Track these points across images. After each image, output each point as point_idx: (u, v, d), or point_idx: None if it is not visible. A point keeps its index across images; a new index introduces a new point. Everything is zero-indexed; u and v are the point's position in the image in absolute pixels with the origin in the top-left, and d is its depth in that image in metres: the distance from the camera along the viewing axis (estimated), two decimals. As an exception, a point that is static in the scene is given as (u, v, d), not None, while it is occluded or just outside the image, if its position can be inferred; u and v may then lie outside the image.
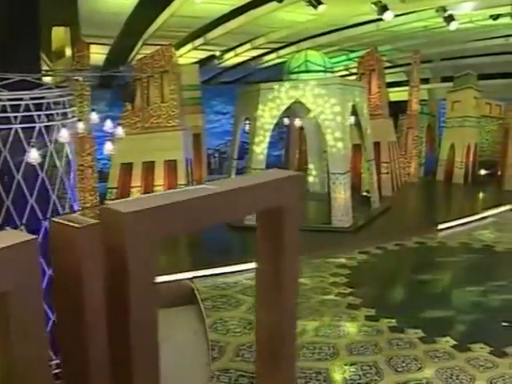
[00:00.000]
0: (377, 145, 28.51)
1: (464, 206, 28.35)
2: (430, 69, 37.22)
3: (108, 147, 16.86)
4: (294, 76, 24.50)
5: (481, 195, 29.98)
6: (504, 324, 14.04)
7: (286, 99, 22.24)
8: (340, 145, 21.97)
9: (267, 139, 22.46)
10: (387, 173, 29.23)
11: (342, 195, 21.96)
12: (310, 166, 28.81)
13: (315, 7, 17.74)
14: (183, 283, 16.62)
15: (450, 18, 19.72)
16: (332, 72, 26.01)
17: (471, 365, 11.94)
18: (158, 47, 23.13)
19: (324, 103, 21.91)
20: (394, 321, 14.21)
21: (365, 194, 26.05)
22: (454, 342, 12.99)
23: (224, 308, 14.99)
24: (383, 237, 21.55)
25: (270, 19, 20.64)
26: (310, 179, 28.81)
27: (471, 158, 33.24)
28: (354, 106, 23.63)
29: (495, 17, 21.99)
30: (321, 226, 22.14)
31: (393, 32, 24.74)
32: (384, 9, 18.34)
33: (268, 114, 22.33)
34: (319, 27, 23.20)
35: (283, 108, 22.41)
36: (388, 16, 18.36)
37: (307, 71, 24.58)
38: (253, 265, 16.84)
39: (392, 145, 30.28)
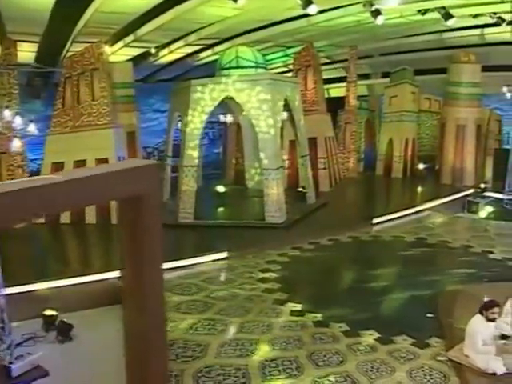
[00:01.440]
0: (313, 140, 28.55)
1: (401, 200, 28.50)
2: (369, 64, 37.41)
3: (15, 144, 16.53)
4: (225, 72, 24.37)
5: (418, 189, 30.19)
6: (428, 315, 14.07)
7: (217, 96, 22.06)
8: (271, 140, 21.85)
9: (199, 136, 22.22)
10: (324, 168, 29.26)
11: (274, 191, 21.89)
12: (247, 162, 28.69)
13: (235, 0, 17.60)
14: (110, 283, 16.37)
15: (376, 13, 19.71)
16: (264, 68, 25.87)
17: (393, 357, 11.94)
18: (88, 44, 22.76)
19: (254, 99, 21.83)
20: (319, 315, 14.16)
21: (300, 189, 25.99)
22: (378, 335, 12.99)
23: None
24: (317, 232, 21.54)
25: (197, 14, 20.45)
26: (247, 176, 28.72)
27: (410, 153, 33.51)
28: (286, 102, 23.56)
29: (423, 12, 22.08)
30: (254, 222, 22.10)
31: (325, 27, 24.70)
32: (308, 2, 18.23)
33: (199, 113, 22.16)
34: (249, 22, 23.02)
35: (214, 105, 22.20)
36: (312, 10, 18.26)
37: (238, 67, 24.48)
38: (183, 262, 16.86)
39: (329, 140, 30.30)
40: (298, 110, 24.73)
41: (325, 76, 34.85)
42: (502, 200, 26.97)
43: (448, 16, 21.21)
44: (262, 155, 22.11)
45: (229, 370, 11.36)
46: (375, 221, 23.30)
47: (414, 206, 25.61)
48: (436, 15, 21.88)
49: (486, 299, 11.50)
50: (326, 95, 37.87)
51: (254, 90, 21.83)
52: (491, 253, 19.74)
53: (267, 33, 25.29)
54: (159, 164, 4.22)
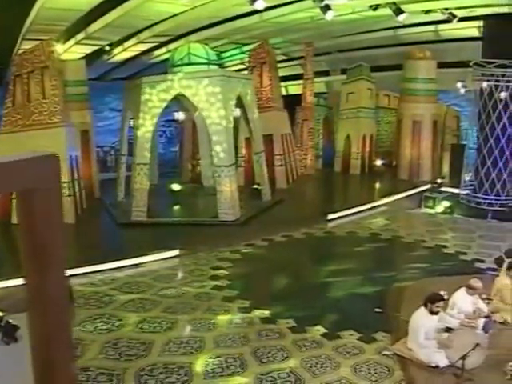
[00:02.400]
0: (270, 137, 28.46)
1: (357, 196, 28.48)
2: (327, 61, 37.41)
3: None
4: (177, 69, 24.20)
5: (375, 185, 30.24)
6: (376, 310, 14.06)
7: (168, 93, 21.88)
8: (224, 137, 21.72)
9: (150, 129, 21.99)
10: (281, 165, 29.18)
11: (227, 188, 21.78)
12: (203, 160, 28.53)
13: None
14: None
15: (326, 8, 19.60)
16: (217, 64, 25.74)
17: (338, 352, 11.94)
18: (38, 42, 22.44)
19: (206, 95, 21.69)
20: (267, 312, 14.13)
21: (256, 186, 25.89)
22: (325, 331, 13.00)
23: (96, 305, 14.60)
24: (271, 229, 21.50)
25: (146, 11, 20.25)
26: (203, 174, 28.58)
27: (367, 149, 33.54)
28: (239, 99, 23.44)
29: (375, 7, 22.04)
30: (207, 219, 22.00)
31: (278, 23, 24.59)
32: (255, -2, 18.09)
33: (151, 110, 21.94)
34: (200, 19, 22.85)
35: (166, 102, 22.00)
36: (259, 5, 18.09)
37: (190, 64, 24.34)
38: (133, 261, 16.68)
39: (286, 137, 30.20)
40: (251, 107, 24.62)
41: (283, 73, 34.83)
42: (458, 195, 27.03)
43: (399, 11, 21.16)
44: (214, 152, 21.96)
45: (172, 368, 11.27)
46: (330, 217, 23.26)
47: (370, 202, 25.62)
48: (388, 11, 21.82)
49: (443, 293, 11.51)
50: (285, 92, 37.95)
51: (205, 86, 21.69)
52: (445, 247, 19.87)
53: (221, 29, 25.11)
54: (55, 157, 4.02)
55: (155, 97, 21.75)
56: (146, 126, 21.90)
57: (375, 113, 34.83)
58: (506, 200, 25.60)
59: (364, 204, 25.19)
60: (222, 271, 17.20)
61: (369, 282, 16.25)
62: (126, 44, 26.16)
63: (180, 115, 24.35)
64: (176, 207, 24.81)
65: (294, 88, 38.07)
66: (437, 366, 10.72)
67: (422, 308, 11.17)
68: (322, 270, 17.62)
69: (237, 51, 33.21)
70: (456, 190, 27.24)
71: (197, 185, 28.34)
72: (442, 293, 11.45)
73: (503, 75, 24.58)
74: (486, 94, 25.38)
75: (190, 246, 19.15)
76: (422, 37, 30.55)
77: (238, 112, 23.38)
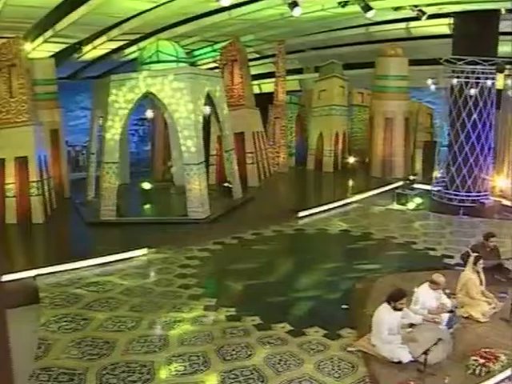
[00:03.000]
0: (241, 135, 28.36)
1: (329, 194, 28.60)
2: (300, 59, 37.37)
3: None
4: (145, 67, 23.99)
5: (348, 182, 30.12)
6: (343, 307, 14.04)
7: (136, 91, 21.68)
8: (193, 135, 21.60)
9: (119, 130, 21.80)
10: (252, 163, 29.03)
11: (196, 186, 21.63)
12: (174, 158, 28.37)
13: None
14: (26, 282, 16.03)
15: (293, 4, 19.50)
16: (186, 62, 25.56)
17: (303, 349, 11.90)
18: (6, 40, 22.21)
19: (174, 93, 21.50)
20: (233, 310, 14.07)
21: (226, 184, 25.79)
22: (290, 328, 12.94)
23: (61, 305, 14.45)
24: (241, 227, 21.46)
25: (113, 8, 20.04)
26: (173, 172, 28.45)
27: (340, 146, 33.48)
28: (209, 96, 23.33)
29: (343, 4, 21.96)
30: (177, 218, 21.87)
31: (248, 21, 24.51)
32: (221, -6, 18.00)
33: (119, 109, 21.71)
34: (169, 16, 22.71)
35: (134, 101, 21.79)
36: (225, 2, 18.01)
37: (159, 61, 24.12)
38: (101, 260, 16.55)
39: (258, 135, 30.08)
40: (221, 104, 24.49)
41: (256, 71, 34.83)
42: (430, 191, 27.11)
43: (367, 8, 21.09)
44: (183, 150, 21.78)
45: (134, 367, 11.18)
46: (301, 214, 23.21)
47: (342, 200, 25.60)
48: (357, 8, 21.76)
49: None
50: (258, 91, 37.90)
51: (171, 83, 21.50)
52: (414, 243, 19.90)
53: (191, 27, 24.97)
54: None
55: (122, 98, 21.48)
56: (115, 127, 21.67)
57: (348, 110, 34.79)
58: (477, 196, 25.65)
59: (335, 201, 25.15)
60: (189, 269, 17.12)
61: (337, 279, 16.27)
62: (96, 42, 25.92)
63: (149, 113, 24.07)
64: (146, 206, 24.70)
65: (268, 86, 37.92)
66: (400, 362, 10.69)
67: (385, 304, 11.13)
68: (290, 267, 17.56)
69: (209, 49, 33.10)
70: (428, 187, 27.28)
71: (168, 183, 28.17)
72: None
73: (473, 72, 24.67)
74: (456, 90, 25.47)
75: (158, 244, 19.03)
76: (394, 34, 30.62)
77: (207, 110, 23.18)
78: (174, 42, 25.79)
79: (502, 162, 27.77)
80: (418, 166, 33.28)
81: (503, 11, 24.75)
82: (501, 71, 25.10)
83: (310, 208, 23.77)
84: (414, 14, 23.66)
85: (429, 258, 18.39)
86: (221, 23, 24.42)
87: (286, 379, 10.66)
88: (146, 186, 25.77)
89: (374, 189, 27.92)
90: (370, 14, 21.07)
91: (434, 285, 12.24)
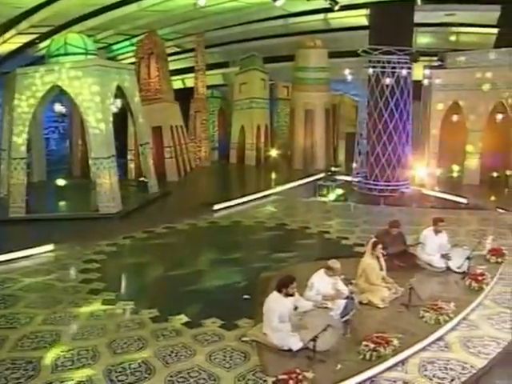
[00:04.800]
0: (158, 129, 28.03)
1: (248, 187, 28.56)
2: (222, 53, 37.13)
3: None
4: (53, 60, 23.57)
5: (268, 175, 30.07)
6: (244, 297, 13.83)
7: (43, 85, 21.22)
8: (102, 128, 21.24)
9: (27, 129, 21.27)
10: (171, 157, 28.73)
11: (107, 180, 21.30)
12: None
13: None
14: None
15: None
16: (95, 54, 25.12)
17: (197, 340, 11.61)
18: None
19: (82, 85, 21.14)
20: (131, 303, 13.71)
21: (142, 179, 25.45)
22: (187, 319, 12.65)
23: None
24: (154, 221, 21.17)
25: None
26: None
27: (262, 140, 33.40)
28: (120, 89, 22.95)
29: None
30: (88, 213, 21.50)
31: (160, 12, 24.18)
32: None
33: (25, 103, 21.24)
34: (77, 8, 22.24)
35: (40, 94, 21.32)
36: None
37: (67, 54, 23.72)
38: (4, 257, 16.03)
39: (177, 129, 29.78)
40: (134, 98, 24.15)
41: (179, 66, 34.52)
42: (351, 182, 27.14)
43: (276, -4, 20.93)
44: (92, 143, 21.44)
45: (19, 364, 10.74)
46: (217, 207, 22.99)
47: (260, 192, 25.44)
48: (268, -2, 21.60)
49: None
50: (182, 85, 37.57)
51: (81, 77, 21.12)
52: (327, 233, 19.86)
53: (103, 19, 24.54)
54: None
55: (28, 92, 21.06)
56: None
57: (269, 103, 34.71)
58: (396, 185, 25.73)
59: (253, 194, 24.98)
60: (94, 264, 16.68)
61: (242, 270, 16.06)
62: (6, 36, 25.27)
63: (58, 107, 23.56)
64: (58, 202, 24.20)
65: (191, 81, 37.60)
66: (290, 350, 10.48)
67: (275, 292, 10.94)
68: (197, 259, 17.28)
69: (127, 43, 32.63)
70: (349, 178, 27.29)
71: (86, 180, 27.69)
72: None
73: (389, 62, 24.76)
74: (373, 80, 25.53)
75: (66, 240, 18.61)
76: (313, 26, 30.62)
77: (118, 103, 22.83)
78: (88, 35, 25.35)
79: (423, 151, 27.97)
80: (342, 157, 33.31)
81: (419, 2, 24.88)
82: (415, 61, 25.19)
83: (226, 201, 23.47)
84: (326, 5, 23.51)
85: (340, 246, 18.33)
86: (133, 15, 24.11)
87: (174, 371, 10.35)
88: (61, 182, 25.22)
89: (294, 181, 27.82)
90: (279, 3, 20.89)
91: (330, 271, 12.08)
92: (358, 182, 26.95)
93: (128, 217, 21.67)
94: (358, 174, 27.02)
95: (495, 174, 27.53)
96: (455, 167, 28.19)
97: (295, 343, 10.46)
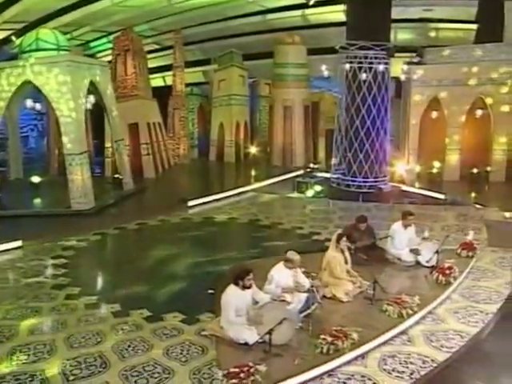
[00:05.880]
0: (135, 126, 27.89)
1: (224, 184, 28.36)
2: (200, 50, 37.04)
3: None
4: (25, 55, 23.42)
5: (247, 172, 30.01)
6: (209, 292, 13.69)
7: (13, 80, 21.04)
8: (74, 124, 21.12)
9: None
10: (148, 154, 28.60)
11: (79, 176, 21.23)
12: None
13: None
14: None
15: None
16: (67, 50, 24.95)
17: (155, 334, 11.50)
18: None
19: (54, 81, 21.00)
20: (94, 298, 13.57)
21: (117, 175, 25.33)
22: (149, 314, 12.53)
23: None
24: (126, 217, 21.13)
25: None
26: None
27: (242, 136, 33.29)
28: (93, 85, 22.80)
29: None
30: (60, 210, 21.36)
31: (134, 7, 24.05)
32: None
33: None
34: (48, 2, 22.05)
35: (12, 89, 21.15)
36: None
37: (38, 49, 23.60)
38: None
39: (154, 126, 29.64)
40: (108, 94, 24.05)
41: (160, 63, 34.40)
42: (330, 179, 27.05)
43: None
44: (64, 139, 21.29)
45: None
46: (191, 203, 22.86)
47: (236, 189, 25.31)
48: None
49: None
50: (163, 83, 37.45)
51: (52, 72, 21.01)
52: (300, 228, 19.73)
53: (77, 14, 24.48)
54: None
55: (4, 81, 20.94)
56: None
57: (252, 101, 34.66)
58: (374, 182, 25.63)
59: (229, 190, 24.89)
60: (62, 260, 16.54)
61: (209, 266, 15.95)
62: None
63: (30, 103, 23.37)
64: (33, 199, 24.03)
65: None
66: (246, 343, 10.35)
67: (232, 285, 10.82)
68: (166, 254, 17.18)
69: (104, 40, 32.50)
70: (327, 175, 27.21)
71: (63, 177, 27.53)
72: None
73: (366, 57, 24.64)
74: (350, 76, 25.38)
75: (36, 236, 18.45)
76: (292, 22, 30.58)
77: (92, 99, 22.69)
78: (65, 32, 25.23)
79: (403, 148, 27.93)
80: (322, 154, 33.23)
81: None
82: (391, 55, 25.13)
83: (200, 197, 23.34)
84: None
85: (311, 241, 18.23)
86: (107, 10, 24.05)
87: (129, 365, 10.23)
88: (35, 179, 25.07)
89: (272, 178, 27.73)
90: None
91: (289, 263, 11.96)
92: (336, 178, 26.78)
93: (101, 213, 21.61)
94: (336, 170, 26.86)
95: (475, 170, 27.39)
96: (435, 163, 28.08)
97: (251, 336, 10.32)
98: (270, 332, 9.77)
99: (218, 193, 24.31)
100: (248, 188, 25.78)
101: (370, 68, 24.99)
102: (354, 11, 25.90)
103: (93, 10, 23.68)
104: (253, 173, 29.49)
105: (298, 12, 28.73)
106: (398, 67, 27.55)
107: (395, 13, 26.26)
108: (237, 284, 10.79)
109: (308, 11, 28.32)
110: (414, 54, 29.20)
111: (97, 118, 27.11)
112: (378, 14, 25.04)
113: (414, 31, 32.64)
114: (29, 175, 26.98)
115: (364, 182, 25.84)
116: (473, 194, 24.87)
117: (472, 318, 12.36)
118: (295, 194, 25.42)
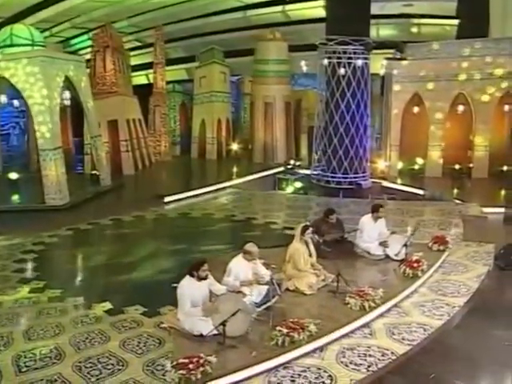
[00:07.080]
0: (115, 123, 27.82)
1: (202, 180, 28.33)
2: (183, 47, 36.97)
3: None
4: (-1, 51, 23.29)
5: (227, 169, 29.93)
6: (173, 285, 13.62)
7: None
8: (47, 120, 20.99)
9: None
10: (127, 151, 28.51)
11: (53, 172, 21.14)
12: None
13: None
14: None
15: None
16: (42, 46, 24.83)
17: (114, 327, 11.42)
18: None
19: (28, 77, 20.92)
20: (59, 291, 13.48)
21: (94, 172, 25.28)
22: (110, 307, 12.49)
23: None
24: (101, 213, 21.03)
25: None
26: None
27: (223, 133, 33.26)
28: (69, 81, 22.73)
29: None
30: (33, 205, 21.28)
31: (112, 3, 23.97)
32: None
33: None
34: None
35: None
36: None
37: (12, 45, 23.48)
38: None
39: (134, 123, 29.56)
40: (84, 90, 23.94)
41: (142, 61, 34.32)
42: (310, 175, 27.03)
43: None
44: (38, 134, 21.20)
45: None
46: (167, 199, 22.84)
47: (214, 185, 25.29)
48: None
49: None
50: (146, 80, 37.37)
51: (26, 68, 20.91)
52: (274, 223, 19.74)
53: (54, 10, 24.34)
54: None
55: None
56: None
57: (236, 98, 34.65)
58: (354, 178, 25.62)
59: (207, 186, 24.88)
60: (31, 255, 16.47)
61: (178, 260, 15.83)
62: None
63: (14, 102, 23.33)
64: (8, 195, 23.90)
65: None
66: (201, 335, 10.28)
67: (187, 276, 10.77)
68: (135, 250, 17.14)
69: (85, 37, 32.40)
70: (308, 171, 27.20)
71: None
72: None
73: (344, 52, 24.61)
74: (329, 71, 25.36)
75: (8, 231, 18.40)
76: (273, 18, 30.49)
77: (67, 95, 22.62)
78: (43, 29, 25.15)
79: (385, 145, 27.91)
80: (304, 151, 33.19)
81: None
82: (370, 50, 25.11)
83: (177, 193, 23.30)
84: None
85: (283, 236, 18.09)
86: (85, 6, 23.91)
87: (84, 356, 10.15)
88: (13, 175, 24.99)
89: (252, 174, 27.70)
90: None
91: (247, 255, 11.90)
92: (316, 174, 26.75)
93: (75, 209, 21.53)
94: (317, 166, 26.82)
95: (457, 167, 27.35)
96: (418, 160, 28.04)
97: (206, 328, 10.25)
98: (223, 323, 9.70)
99: (195, 189, 24.17)
100: (226, 184, 25.76)
101: (349, 63, 25.01)
102: (333, 6, 25.87)
103: (70, 6, 23.52)
104: (233, 169, 29.41)
105: (279, 8, 28.62)
106: (380, 63, 27.51)
107: (376, 8, 26.19)
108: (192, 275, 10.73)
109: (288, 7, 28.24)
110: (394, 50, 29.12)
111: (78, 115, 27.02)
112: (357, 9, 25.01)
113: (396, 27, 32.65)
114: (8, 172, 26.88)
115: (344, 178, 25.83)
116: (454, 190, 24.82)
117: (437, 311, 12.31)
118: (274, 191, 25.27)
